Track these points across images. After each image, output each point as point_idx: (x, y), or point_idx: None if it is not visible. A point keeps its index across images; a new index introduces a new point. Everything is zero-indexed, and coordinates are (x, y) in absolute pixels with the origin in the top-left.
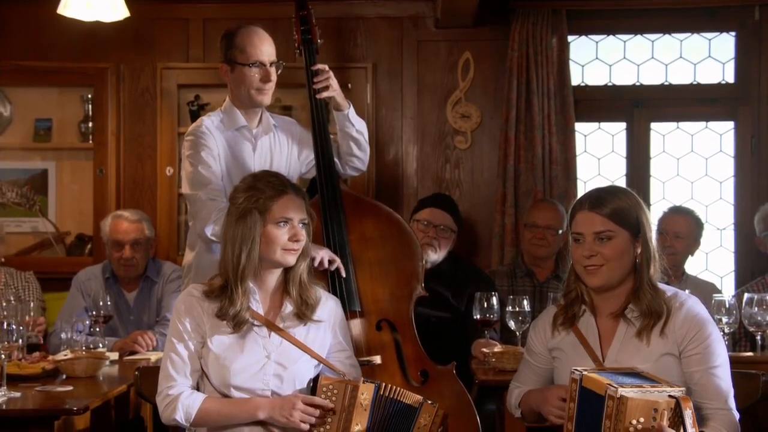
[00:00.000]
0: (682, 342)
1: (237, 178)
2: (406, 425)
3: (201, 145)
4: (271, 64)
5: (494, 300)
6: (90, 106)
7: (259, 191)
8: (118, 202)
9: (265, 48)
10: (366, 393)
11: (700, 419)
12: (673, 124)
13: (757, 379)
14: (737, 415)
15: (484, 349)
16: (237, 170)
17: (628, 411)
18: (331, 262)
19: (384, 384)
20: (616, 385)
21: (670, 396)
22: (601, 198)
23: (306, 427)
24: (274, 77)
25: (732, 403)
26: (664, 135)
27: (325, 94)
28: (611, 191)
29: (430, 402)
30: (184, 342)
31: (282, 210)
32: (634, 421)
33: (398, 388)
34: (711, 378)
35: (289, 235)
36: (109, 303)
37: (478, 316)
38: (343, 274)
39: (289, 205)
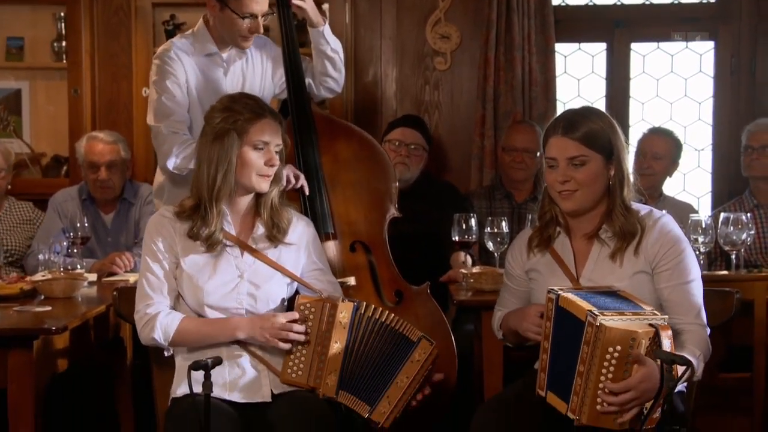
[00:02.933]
0: (654, 259)
1: (208, 104)
2: (399, 356)
3: (166, 72)
4: (262, 15)
5: (473, 221)
6: (63, 24)
7: (237, 113)
8: (93, 122)
9: None
10: (345, 312)
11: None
12: (653, 44)
13: (731, 296)
14: (708, 330)
15: (463, 270)
16: (208, 96)
17: (606, 339)
18: (296, 178)
19: (364, 303)
20: (597, 313)
21: (650, 325)
22: (573, 121)
23: (287, 346)
24: (261, 28)
25: (703, 318)
26: (644, 55)
27: (296, 2)
28: (583, 113)
29: (428, 339)
30: (159, 262)
31: (259, 133)
32: (611, 349)
33: (381, 309)
34: (681, 293)
35: (264, 159)
36: (86, 224)
37: (457, 237)
38: (307, 192)
39: (266, 129)
